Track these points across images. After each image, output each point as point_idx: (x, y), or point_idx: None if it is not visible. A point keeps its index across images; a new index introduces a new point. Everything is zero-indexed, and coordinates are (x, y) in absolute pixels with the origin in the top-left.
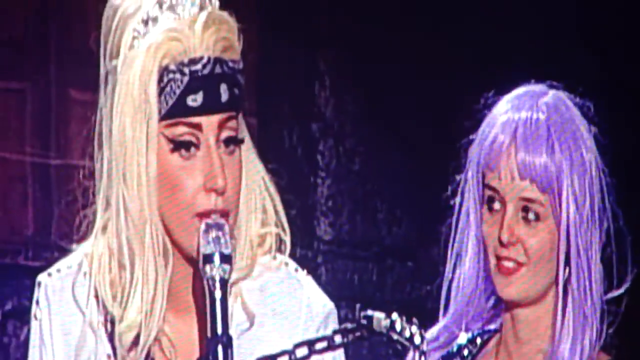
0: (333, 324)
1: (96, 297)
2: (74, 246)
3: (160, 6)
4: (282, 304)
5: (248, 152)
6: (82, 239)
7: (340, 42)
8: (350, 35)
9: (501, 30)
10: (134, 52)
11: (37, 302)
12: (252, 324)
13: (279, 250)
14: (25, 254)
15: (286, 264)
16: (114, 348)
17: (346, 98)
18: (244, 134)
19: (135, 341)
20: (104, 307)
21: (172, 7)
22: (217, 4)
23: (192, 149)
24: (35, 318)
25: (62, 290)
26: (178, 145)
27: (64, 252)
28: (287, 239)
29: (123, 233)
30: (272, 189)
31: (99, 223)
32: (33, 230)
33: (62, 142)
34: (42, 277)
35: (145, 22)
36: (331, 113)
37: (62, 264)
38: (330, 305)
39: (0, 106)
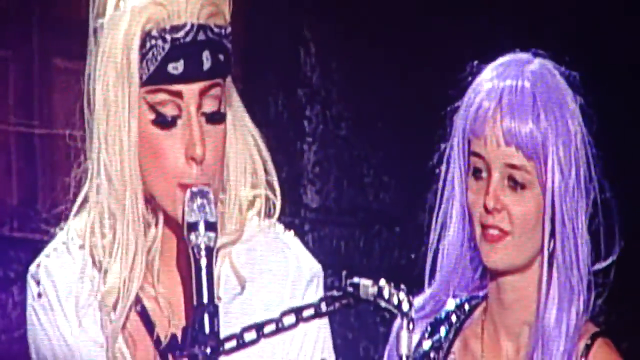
0: (320, 285)
1: (93, 265)
2: (57, 228)
3: None
4: (271, 264)
5: (236, 114)
6: (69, 212)
7: (326, 8)
8: (336, 2)
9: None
10: (119, 12)
11: (38, 283)
12: (243, 288)
13: (268, 213)
14: (10, 225)
15: (274, 225)
16: None
17: (332, 64)
18: (232, 98)
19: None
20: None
21: None
22: None
23: (174, 118)
24: (39, 297)
25: (62, 267)
26: (159, 116)
27: (48, 222)
28: (278, 201)
29: (105, 199)
30: (264, 151)
31: (85, 191)
32: (17, 200)
33: (46, 112)
34: (39, 261)
35: None
36: (317, 79)
37: (54, 243)
38: (317, 266)
39: None
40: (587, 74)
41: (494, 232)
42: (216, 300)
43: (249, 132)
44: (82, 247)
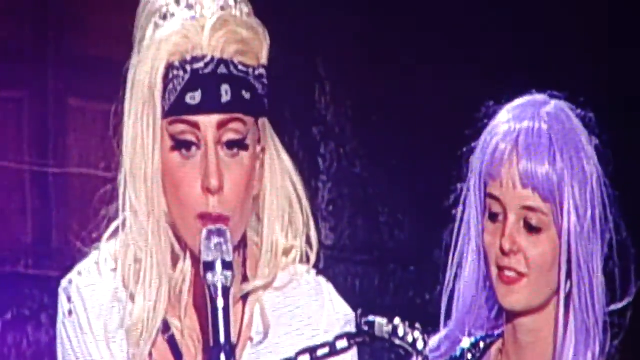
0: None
1: (125, 288)
2: (90, 249)
3: (179, 3)
4: (304, 309)
5: (273, 156)
6: (99, 239)
7: (340, 46)
8: (351, 40)
9: (503, 40)
10: (147, 44)
11: (69, 299)
12: (266, 335)
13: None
14: (25, 262)
15: (307, 270)
16: None
17: (347, 102)
18: (269, 141)
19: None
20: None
21: (190, 5)
22: (246, 9)
23: (193, 149)
24: (70, 314)
25: (94, 286)
26: (178, 144)
27: (64, 260)
28: (313, 255)
29: (131, 232)
30: (306, 202)
31: (119, 221)
32: (32, 238)
33: (61, 151)
34: (70, 277)
35: (164, 17)
36: (332, 117)
37: (87, 262)
38: (350, 313)
39: None
40: (602, 113)
41: (510, 274)
42: (233, 340)
43: (290, 179)
44: (114, 270)
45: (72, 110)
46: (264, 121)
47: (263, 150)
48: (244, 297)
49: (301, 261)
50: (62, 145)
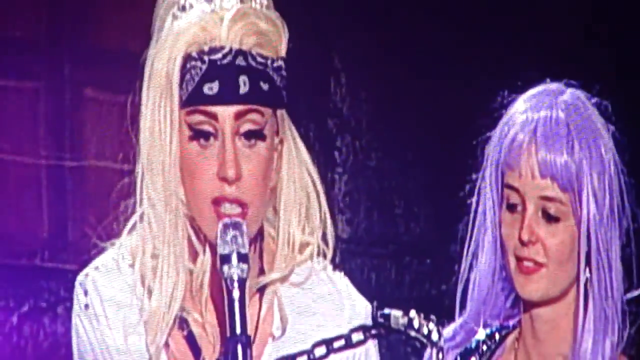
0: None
1: (142, 285)
2: (107, 243)
3: None
4: (323, 305)
5: (291, 148)
6: (115, 235)
7: (356, 38)
8: (366, 32)
9: (518, 27)
10: (165, 34)
11: (86, 293)
12: (284, 330)
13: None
14: (41, 256)
15: (324, 267)
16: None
17: (362, 94)
18: (287, 134)
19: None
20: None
21: None
22: (265, 2)
23: (211, 139)
24: (86, 308)
25: (111, 281)
26: (196, 134)
27: (80, 253)
28: (330, 252)
29: (149, 225)
30: (324, 200)
31: (137, 215)
32: (48, 231)
33: (77, 143)
34: (88, 271)
35: (183, 8)
36: (348, 109)
37: (105, 257)
38: (369, 306)
39: (14, 107)
40: (618, 101)
41: (529, 264)
42: (249, 331)
43: (308, 172)
44: (131, 265)
45: (88, 101)
46: (282, 113)
47: (281, 142)
48: (261, 291)
49: (317, 256)
50: (79, 137)
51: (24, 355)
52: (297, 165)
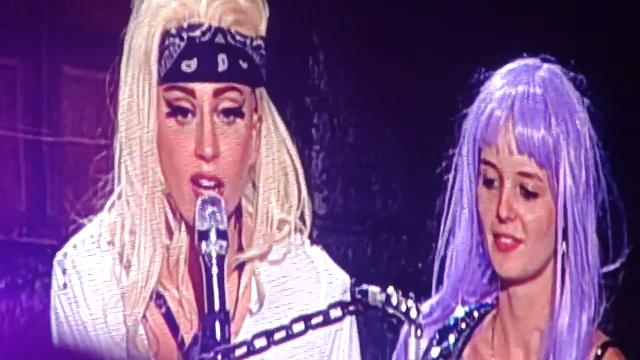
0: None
1: (121, 263)
2: (85, 220)
3: None
4: (301, 281)
5: (270, 126)
6: (94, 211)
7: (334, 16)
8: (344, 9)
9: (492, 4)
10: (144, 9)
11: (64, 272)
12: (261, 305)
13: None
14: (19, 231)
15: (302, 242)
16: None
17: (340, 72)
18: (267, 112)
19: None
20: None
21: None
22: None
23: (189, 116)
24: (64, 287)
25: (89, 258)
26: (174, 111)
27: (58, 228)
28: (307, 230)
29: (126, 201)
30: (302, 178)
31: (116, 193)
32: (26, 207)
33: (55, 119)
34: (66, 250)
35: None
36: (325, 86)
37: (83, 235)
38: (347, 278)
39: None
40: (593, 75)
41: (507, 241)
42: (228, 308)
43: (287, 150)
44: (110, 243)
45: (66, 78)
46: (261, 91)
47: (260, 120)
48: (240, 268)
49: (295, 234)
50: (57, 113)
51: (1, 331)
52: (276, 143)
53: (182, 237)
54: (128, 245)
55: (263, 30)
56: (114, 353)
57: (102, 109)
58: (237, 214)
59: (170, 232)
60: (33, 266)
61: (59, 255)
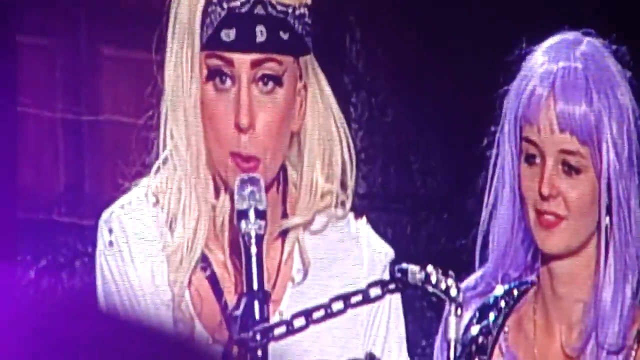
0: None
1: (168, 224)
2: (131, 184)
3: None
4: (344, 251)
5: (316, 93)
6: (137, 176)
7: None
8: None
9: None
10: None
11: (110, 231)
12: (306, 273)
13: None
14: (58, 210)
15: (345, 214)
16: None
17: (378, 50)
18: (313, 80)
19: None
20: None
21: None
22: None
23: (228, 81)
24: (110, 245)
25: (136, 219)
26: (212, 74)
27: (97, 207)
28: (348, 202)
29: (172, 165)
30: (346, 148)
31: (160, 157)
32: (65, 186)
33: (93, 99)
34: (112, 209)
35: None
36: (363, 65)
37: (130, 196)
38: (391, 252)
39: (31, 63)
40: (635, 46)
41: (550, 218)
42: (266, 287)
43: (333, 116)
44: (156, 204)
45: (104, 58)
46: (306, 59)
47: (305, 87)
48: (283, 235)
49: (336, 205)
50: (95, 93)
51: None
52: (322, 110)
53: (226, 200)
54: (174, 207)
55: None
56: (161, 314)
57: (140, 88)
58: (281, 180)
59: (217, 192)
60: (72, 245)
61: (105, 214)
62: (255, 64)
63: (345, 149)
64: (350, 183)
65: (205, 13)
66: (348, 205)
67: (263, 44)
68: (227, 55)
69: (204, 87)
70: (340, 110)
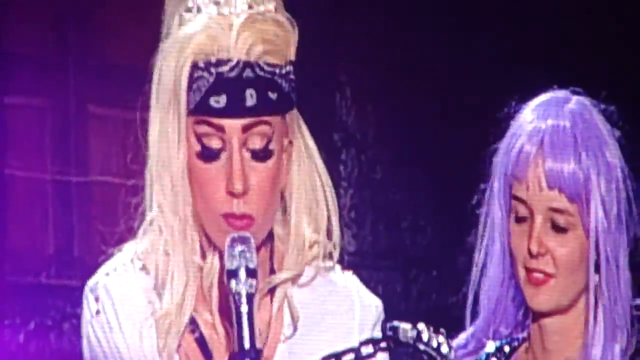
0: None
1: (155, 288)
2: (114, 250)
3: None
4: (335, 305)
5: (300, 148)
6: (122, 241)
7: (361, 52)
8: (371, 45)
9: (521, 37)
10: (173, 39)
11: (97, 299)
12: (295, 328)
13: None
14: (47, 272)
15: (333, 266)
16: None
17: (368, 108)
18: (298, 133)
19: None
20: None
21: (216, 1)
22: (274, 3)
23: (217, 147)
24: (97, 314)
25: (122, 286)
26: (205, 152)
27: (86, 269)
28: (336, 252)
29: (159, 230)
30: (329, 192)
31: (146, 222)
32: (54, 248)
33: (82, 159)
34: (98, 278)
35: (189, 10)
36: (353, 123)
37: (114, 262)
38: (380, 305)
39: (21, 123)
40: (624, 106)
41: (538, 275)
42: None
43: (315, 169)
44: (143, 268)
45: (93, 117)
46: (291, 114)
47: (290, 143)
48: (272, 291)
49: (324, 256)
50: (84, 153)
51: None
52: (306, 164)
53: (214, 261)
54: (162, 271)
55: (292, 54)
56: None
57: (129, 148)
58: (269, 237)
59: (203, 253)
60: (61, 307)
61: (90, 283)
62: (246, 129)
63: (330, 200)
64: (336, 232)
65: (190, 77)
66: (336, 255)
67: (253, 108)
68: (217, 121)
69: (191, 152)
70: (322, 163)
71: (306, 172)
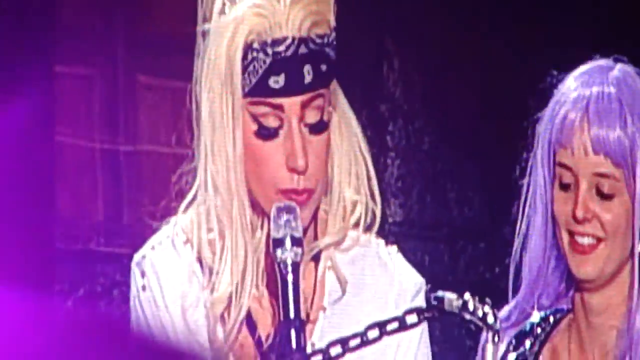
0: (422, 300)
1: (199, 261)
2: (160, 223)
3: None
4: (373, 278)
5: (343, 115)
6: (170, 214)
7: (408, 22)
8: (418, 16)
9: (566, 5)
10: (223, 20)
11: (143, 274)
12: (344, 292)
13: (369, 225)
14: (96, 240)
15: (376, 238)
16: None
17: (415, 78)
18: (338, 100)
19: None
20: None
21: None
22: None
23: (274, 125)
24: (143, 289)
25: (167, 260)
26: (262, 131)
27: (135, 237)
28: (378, 209)
29: (212, 207)
30: (367, 154)
31: (190, 196)
32: (103, 216)
33: (131, 128)
34: (144, 252)
35: None
36: (400, 93)
37: (159, 236)
38: (420, 280)
39: (69, 93)
40: None
41: (584, 240)
42: (302, 315)
43: (354, 133)
44: (186, 242)
45: (141, 87)
46: (333, 82)
47: (334, 108)
48: (316, 261)
49: (366, 223)
50: (133, 122)
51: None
52: (346, 130)
53: (263, 234)
54: (206, 247)
55: (333, 20)
56: (195, 354)
57: (177, 117)
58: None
59: (252, 229)
60: (110, 274)
61: (136, 257)
62: (304, 105)
63: (370, 163)
64: (377, 192)
65: (244, 59)
66: (378, 215)
67: (310, 83)
68: (276, 101)
69: (247, 132)
70: (359, 128)
71: (346, 137)
